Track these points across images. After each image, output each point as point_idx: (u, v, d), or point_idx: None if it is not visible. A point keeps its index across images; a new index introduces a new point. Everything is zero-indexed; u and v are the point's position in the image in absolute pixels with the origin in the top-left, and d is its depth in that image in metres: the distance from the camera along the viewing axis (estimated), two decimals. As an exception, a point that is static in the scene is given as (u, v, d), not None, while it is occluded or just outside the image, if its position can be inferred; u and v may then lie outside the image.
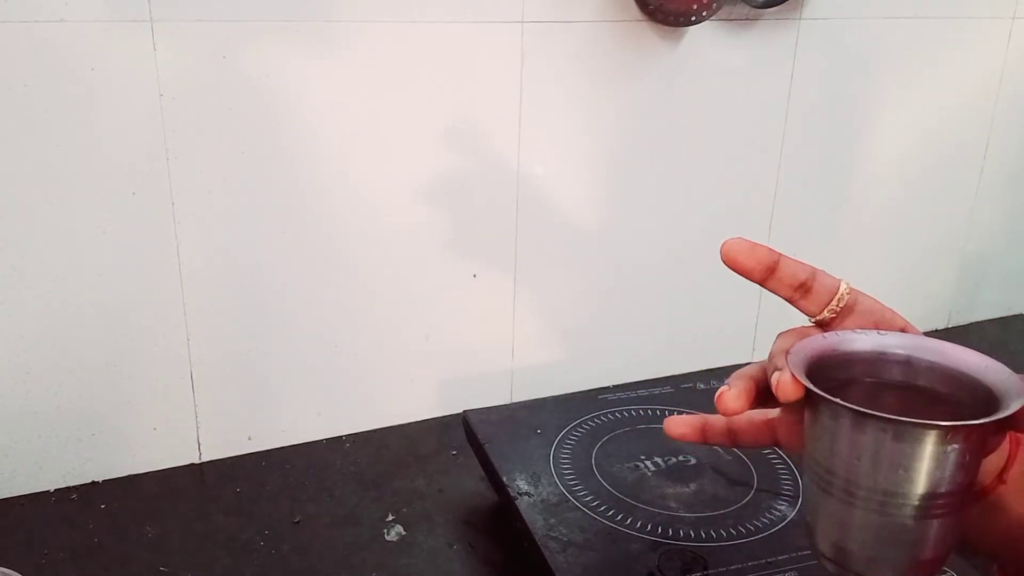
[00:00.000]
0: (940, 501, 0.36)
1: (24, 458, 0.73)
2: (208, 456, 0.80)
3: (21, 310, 0.70)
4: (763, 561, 0.60)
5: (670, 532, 0.63)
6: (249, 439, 0.82)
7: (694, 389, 0.83)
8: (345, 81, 0.74)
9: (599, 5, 0.81)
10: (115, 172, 0.69)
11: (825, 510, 0.39)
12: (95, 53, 0.66)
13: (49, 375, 0.72)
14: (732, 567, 0.59)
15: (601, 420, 0.78)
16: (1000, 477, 0.41)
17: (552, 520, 0.64)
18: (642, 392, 0.82)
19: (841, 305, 0.44)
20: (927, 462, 0.36)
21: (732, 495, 0.67)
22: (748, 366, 0.44)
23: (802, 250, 1.05)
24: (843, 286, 0.44)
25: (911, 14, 0.96)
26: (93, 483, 0.76)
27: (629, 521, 0.64)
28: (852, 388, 0.41)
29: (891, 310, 0.45)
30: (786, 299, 0.45)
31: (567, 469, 0.70)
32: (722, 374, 0.88)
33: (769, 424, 0.47)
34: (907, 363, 0.42)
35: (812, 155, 0.97)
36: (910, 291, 1.11)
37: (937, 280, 1.13)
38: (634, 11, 0.82)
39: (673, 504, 0.66)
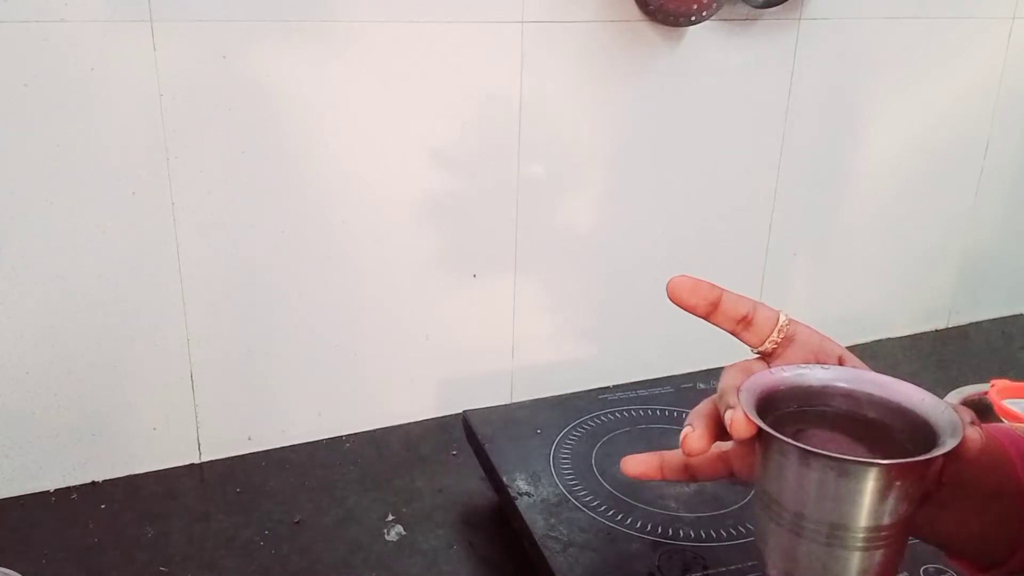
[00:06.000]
0: (883, 532, 0.38)
1: (24, 458, 0.73)
2: (208, 456, 0.80)
3: (21, 310, 0.70)
4: (763, 561, 0.60)
5: (670, 532, 0.63)
6: (249, 439, 0.82)
7: (694, 389, 0.83)
8: (345, 81, 0.74)
9: (599, 5, 0.81)
10: (115, 172, 0.69)
11: (775, 540, 0.41)
12: (95, 53, 0.66)
13: (49, 375, 0.72)
14: (732, 567, 0.59)
15: (601, 420, 0.78)
16: (939, 480, 0.43)
17: (552, 520, 0.64)
18: (642, 392, 0.82)
19: (781, 336, 0.46)
20: (870, 496, 0.37)
21: (732, 495, 0.67)
22: (702, 404, 0.45)
23: (802, 249, 1.06)
24: (782, 318, 0.47)
25: (911, 14, 0.96)
26: (93, 483, 0.76)
27: (629, 521, 0.64)
28: (799, 420, 0.43)
29: (828, 339, 0.47)
30: (730, 332, 0.47)
31: (567, 469, 0.70)
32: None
33: (723, 457, 0.48)
34: (850, 396, 0.44)
35: (812, 155, 0.97)
36: (910, 291, 1.11)
37: (937, 280, 1.13)
38: (634, 11, 0.82)
39: (673, 504, 0.66)
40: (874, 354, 1.06)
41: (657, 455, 0.49)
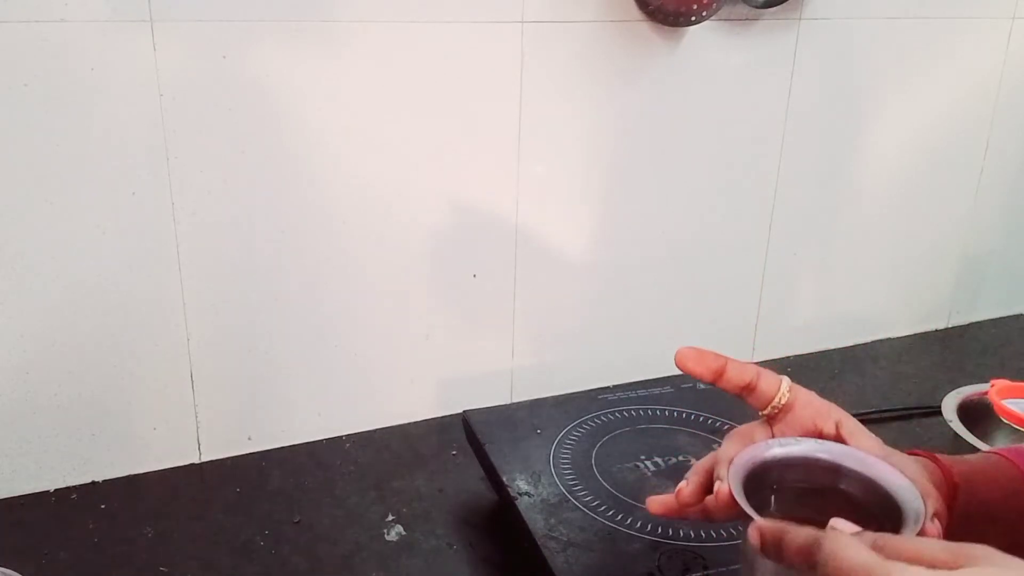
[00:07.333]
0: None
1: (24, 458, 0.73)
2: (208, 456, 0.80)
3: (21, 310, 0.70)
4: (763, 561, 0.59)
5: (670, 532, 0.63)
6: (249, 439, 0.82)
7: (694, 389, 0.83)
8: (345, 81, 0.74)
9: (599, 5, 0.81)
10: (115, 172, 0.69)
11: None
12: (95, 53, 0.66)
13: (49, 375, 0.72)
14: (732, 567, 0.59)
15: (601, 420, 0.78)
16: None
17: (552, 520, 0.64)
18: (642, 392, 0.82)
19: (783, 402, 0.51)
20: None
21: (732, 495, 0.67)
22: (706, 458, 0.51)
23: (802, 250, 1.06)
24: (784, 385, 0.51)
25: (911, 14, 0.96)
26: (93, 483, 0.76)
27: (629, 521, 0.64)
28: (784, 492, 0.48)
29: (827, 403, 0.52)
30: (736, 396, 0.52)
31: (567, 469, 0.70)
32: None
33: (735, 502, 0.52)
34: (836, 470, 0.48)
35: (812, 155, 0.97)
36: (910, 291, 1.11)
37: (937, 280, 1.13)
38: (634, 11, 0.82)
39: (673, 504, 0.66)
40: (874, 354, 1.06)
41: None
